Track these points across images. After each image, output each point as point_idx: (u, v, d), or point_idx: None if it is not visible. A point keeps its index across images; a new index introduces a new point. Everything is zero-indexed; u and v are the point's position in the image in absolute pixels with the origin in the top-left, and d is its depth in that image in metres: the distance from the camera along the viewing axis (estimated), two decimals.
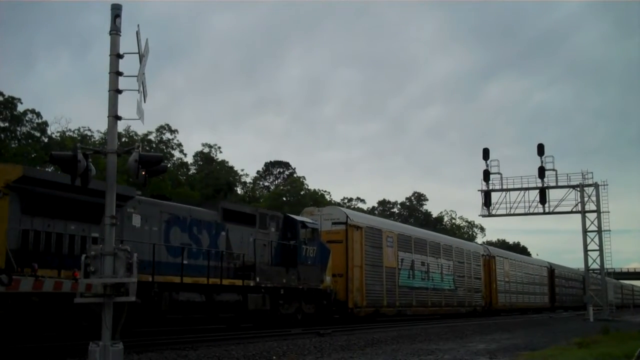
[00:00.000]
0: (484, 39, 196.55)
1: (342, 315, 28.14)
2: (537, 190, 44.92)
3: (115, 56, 9.86)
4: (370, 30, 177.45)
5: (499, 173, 45.49)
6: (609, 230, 45.32)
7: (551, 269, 64.62)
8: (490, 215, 46.47)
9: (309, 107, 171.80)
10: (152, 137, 67.66)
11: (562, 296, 67.93)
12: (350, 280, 28.13)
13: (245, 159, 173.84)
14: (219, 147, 78.18)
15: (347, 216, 29.32)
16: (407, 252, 34.35)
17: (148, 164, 10.01)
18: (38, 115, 57.28)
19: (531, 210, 45.45)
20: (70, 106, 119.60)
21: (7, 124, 54.09)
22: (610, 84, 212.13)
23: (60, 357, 12.87)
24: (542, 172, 44.14)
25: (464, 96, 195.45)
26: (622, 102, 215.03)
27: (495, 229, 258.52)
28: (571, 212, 45.31)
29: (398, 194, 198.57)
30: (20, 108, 56.14)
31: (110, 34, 9.91)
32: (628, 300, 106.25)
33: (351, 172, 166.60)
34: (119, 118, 9.84)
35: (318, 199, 73.96)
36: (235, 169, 77.23)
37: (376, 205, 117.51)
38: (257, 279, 21.31)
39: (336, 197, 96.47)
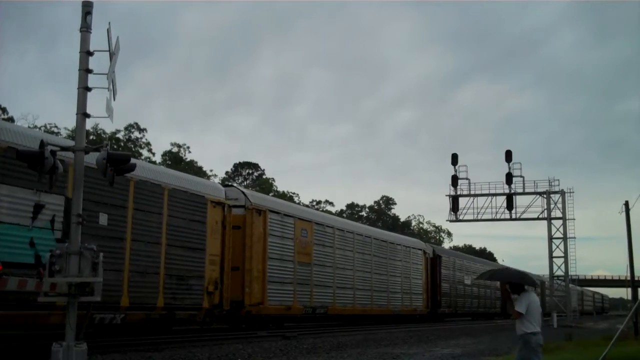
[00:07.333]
0: (458, 42, 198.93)
1: None
2: (505, 197, 45.45)
3: (85, 53, 9.74)
4: (344, 31, 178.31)
5: (467, 178, 45.96)
6: (574, 238, 46.09)
7: (434, 256, 42.78)
8: (457, 220, 46.90)
9: (281, 107, 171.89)
10: (120, 135, 67.22)
11: (456, 298, 45.68)
12: None
13: (215, 160, 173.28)
14: (188, 147, 78.18)
15: None
16: None
17: (116, 162, 9.91)
18: (4, 111, 56.64)
19: (498, 216, 45.98)
20: (36, 102, 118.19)
21: None
22: (582, 90, 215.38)
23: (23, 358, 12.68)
24: (509, 178, 44.67)
25: (436, 100, 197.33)
26: (593, 109, 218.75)
27: (462, 235, 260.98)
28: (537, 218, 45.94)
29: (367, 197, 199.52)
30: None
31: (80, 31, 9.79)
32: (590, 307, 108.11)
33: (321, 175, 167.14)
34: (88, 116, 9.71)
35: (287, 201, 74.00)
36: (204, 169, 77.01)
37: (344, 208, 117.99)
38: None
39: (305, 200, 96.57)
